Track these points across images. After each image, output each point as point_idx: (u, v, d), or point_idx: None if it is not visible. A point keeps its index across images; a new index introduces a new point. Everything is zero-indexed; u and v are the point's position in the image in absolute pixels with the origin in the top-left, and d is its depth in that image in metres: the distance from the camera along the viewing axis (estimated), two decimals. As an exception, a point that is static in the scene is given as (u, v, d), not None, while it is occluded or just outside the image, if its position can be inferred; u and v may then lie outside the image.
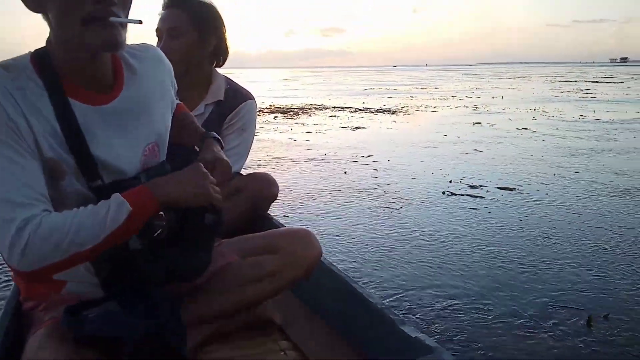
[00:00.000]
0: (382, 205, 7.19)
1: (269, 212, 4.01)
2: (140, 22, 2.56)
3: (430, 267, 5.01)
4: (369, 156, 10.75)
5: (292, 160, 10.38)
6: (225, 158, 2.09)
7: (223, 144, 2.26)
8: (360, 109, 21.70)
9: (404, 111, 20.90)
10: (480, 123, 16.36)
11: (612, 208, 6.98)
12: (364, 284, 4.45)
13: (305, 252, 2.42)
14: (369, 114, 19.63)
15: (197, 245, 1.98)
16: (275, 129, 15.29)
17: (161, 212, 1.66)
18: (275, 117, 18.90)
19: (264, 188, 3.80)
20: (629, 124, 15.73)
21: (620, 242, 5.67)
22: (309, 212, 6.82)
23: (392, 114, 19.91)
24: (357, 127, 15.52)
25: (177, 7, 3.24)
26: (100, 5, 1.42)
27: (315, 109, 22.20)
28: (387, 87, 42.31)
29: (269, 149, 11.77)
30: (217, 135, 2.25)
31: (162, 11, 3.25)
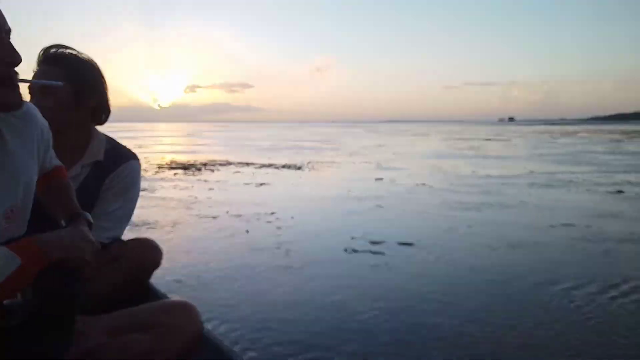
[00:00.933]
0: (283, 265, 7.00)
1: (151, 281, 3.69)
2: (61, 85, 2.40)
3: (330, 330, 4.86)
4: (272, 213, 10.60)
5: (191, 220, 9.98)
6: (94, 239, 1.87)
7: (92, 224, 2.07)
8: (265, 165, 21.70)
9: (310, 167, 21.17)
10: (382, 179, 16.88)
11: (502, 261, 7.28)
12: (256, 358, 4.20)
13: (184, 328, 2.20)
14: (275, 170, 19.65)
15: (56, 324, 1.71)
16: (175, 187, 14.78)
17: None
18: (176, 173, 18.35)
19: (146, 255, 3.49)
20: (515, 179, 16.95)
21: (509, 294, 5.88)
22: (204, 276, 6.47)
23: (298, 169, 20.07)
24: (261, 184, 15.41)
25: (53, 64, 3.00)
26: (5, 68, 1.42)
27: (219, 164, 21.90)
28: (294, 143, 43.03)
29: (167, 208, 11.28)
30: (88, 217, 2.05)
31: (37, 67, 3.00)
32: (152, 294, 3.38)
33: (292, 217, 10.27)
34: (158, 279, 6.18)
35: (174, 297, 3.70)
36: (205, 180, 16.19)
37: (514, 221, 10.04)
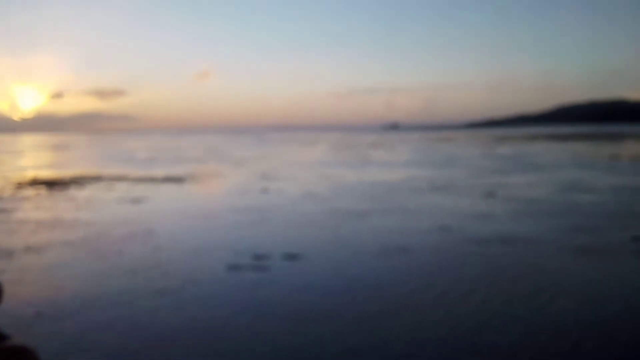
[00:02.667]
0: (160, 288, 6.43)
1: None
2: None
3: (209, 356, 4.48)
4: (149, 232, 9.87)
5: (55, 244, 8.97)
6: None
7: None
8: (142, 179, 20.47)
9: (192, 179, 20.33)
10: (268, 189, 16.60)
11: (384, 268, 7.27)
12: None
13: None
14: (153, 184, 18.59)
15: None
16: (37, 207, 13.31)
17: None
18: (39, 192, 16.63)
19: None
20: (397, 185, 17.54)
21: (389, 301, 5.84)
22: (69, 305, 5.74)
23: (179, 182, 19.17)
24: (138, 200, 14.41)
25: None
26: None
27: (90, 179, 20.29)
28: (175, 154, 41.41)
29: (26, 232, 10.08)
30: None
31: None
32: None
33: (171, 235, 9.64)
34: (11, 312, 5.38)
35: (16, 339, 3.09)
36: (73, 199, 14.81)
37: (396, 227, 10.22)
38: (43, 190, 16.84)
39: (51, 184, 18.46)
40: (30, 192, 16.54)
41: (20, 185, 17.97)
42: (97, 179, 20.73)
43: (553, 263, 7.45)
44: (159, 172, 23.78)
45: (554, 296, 6.02)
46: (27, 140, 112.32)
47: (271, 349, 4.67)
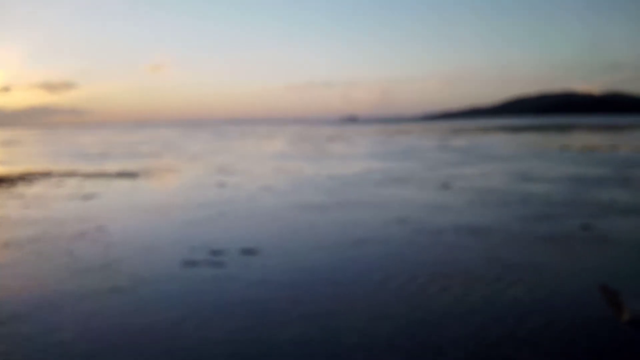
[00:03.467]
0: (112, 287, 6.24)
1: None
2: None
3: (163, 355, 4.35)
4: (100, 229, 9.57)
5: (1, 244, 8.58)
6: None
7: None
8: (94, 174, 19.87)
9: (147, 174, 19.86)
10: (224, 183, 16.38)
11: (342, 261, 7.27)
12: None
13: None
14: (106, 179, 18.05)
15: None
16: (-17, 205, 12.71)
17: None
18: (-15, 189, 15.85)
19: None
20: (355, 178, 17.63)
21: (348, 294, 5.85)
22: (16, 308, 5.48)
23: (132, 177, 18.68)
24: (89, 196, 13.95)
25: None
26: None
27: (39, 176, 19.54)
28: (129, 148, 40.34)
29: (-30, 230, 9.60)
30: None
31: None
32: None
33: (124, 232, 9.37)
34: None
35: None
36: (21, 196, 14.22)
37: (354, 220, 10.26)
38: (-13, 188, 16.09)
39: (-4, 181, 17.66)
40: (-27, 189, 15.78)
41: (-37, 183, 17.10)
42: (46, 175, 19.98)
43: (507, 252, 7.63)
44: (112, 167, 23.12)
45: (508, 285, 6.16)
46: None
47: (228, 345, 4.60)
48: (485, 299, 5.69)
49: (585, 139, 43.88)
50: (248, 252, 7.79)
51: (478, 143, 40.06)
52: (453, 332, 4.81)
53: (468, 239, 8.49)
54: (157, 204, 12.64)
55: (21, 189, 15.81)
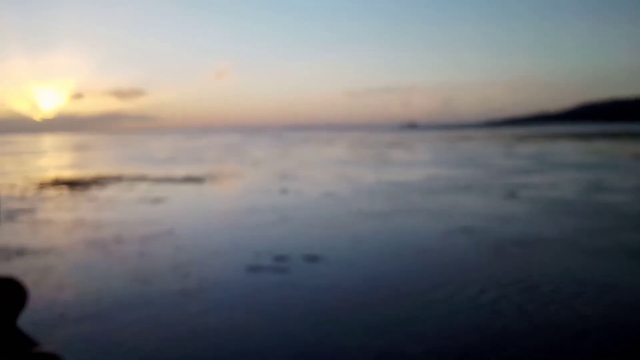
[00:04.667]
0: (181, 290, 6.44)
1: (19, 324, 3.05)
2: None
3: (231, 356, 4.46)
4: (169, 232, 9.92)
5: (77, 244, 9.06)
6: None
7: None
8: (162, 179, 20.63)
9: (212, 179, 20.42)
10: (287, 189, 16.58)
11: (406, 269, 7.20)
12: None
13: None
14: (173, 184, 18.71)
15: None
16: (59, 208, 13.49)
17: None
18: (61, 192, 16.85)
19: (7, 296, 2.85)
20: (417, 185, 17.40)
21: (414, 303, 5.76)
22: (90, 308, 5.77)
23: (198, 182, 19.26)
24: (157, 200, 14.50)
25: None
26: None
27: (111, 180, 20.51)
28: (194, 153, 41.67)
29: (49, 232, 10.19)
30: None
31: None
32: (17, 342, 2.77)
33: (192, 236, 9.66)
34: (35, 314, 5.42)
35: (45, 345, 3.09)
36: (94, 199, 14.97)
37: (416, 227, 10.12)
38: (64, 191, 17.07)
39: (72, 184, 18.71)
40: (51, 192, 16.77)
41: (42, 186, 18.23)
42: (117, 179, 20.94)
43: (573, 266, 7.29)
44: (179, 172, 23.94)
45: (572, 300, 5.87)
46: (48, 140, 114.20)
47: (291, 351, 4.63)
48: (544, 314, 5.44)
49: (664, 146, 41.27)
50: (311, 258, 7.83)
51: (545, 150, 38.56)
52: (522, 348, 4.63)
53: (533, 250, 8.17)
54: (222, 208, 12.97)
55: (94, 192, 16.65)
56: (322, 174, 22.03)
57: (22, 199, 14.50)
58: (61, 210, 12.95)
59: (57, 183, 19.33)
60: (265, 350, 4.66)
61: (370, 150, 44.49)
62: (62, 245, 8.96)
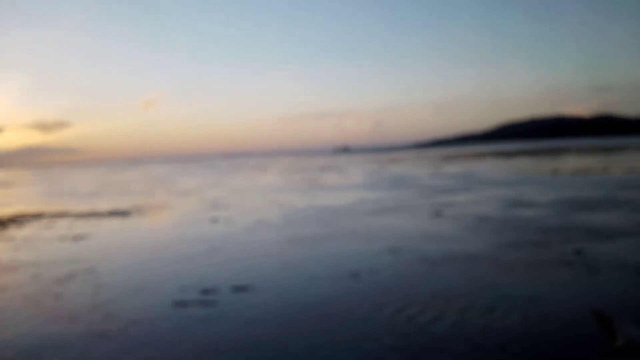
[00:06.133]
0: (100, 331, 6.12)
1: None
2: None
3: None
4: (90, 270, 9.45)
5: (-12, 288, 8.44)
6: None
7: None
8: (86, 214, 19.72)
9: (139, 212, 19.75)
10: (217, 218, 16.30)
11: (335, 294, 7.19)
12: None
13: None
14: (97, 219, 17.93)
15: None
16: (-28, 248, 12.55)
17: None
18: (-24, 233, 15.65)
19: None
20: (348, 208, 17.60)
21: (340, 328, 5.76)
22: (6, 356, 5.37)
23: (124, 216, 18.57)
24: (80, 237, 13.82)
25: None
26: None
27: (31, 217, 19.38)
28: (122, 186, 40.20)
29: (-43, 275, 9.44)
30: None
31: None
32: None
33: (114, 273, 9.25)
34: None
35: None
36: (11, 239, 14.06)
37: (347, 251, 10.20)
38: (-23, 231, 15.91)
39: (-13, 224, 17.48)
40: (-38, 234, 15.60)
41: (-48, 227, 16.91)
42: (38, 216, 19.82)
43: (500, 280, 7.58)
44: (103, 206, 23.00)
45: (503, 313, 6.10)
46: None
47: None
48: (477, 327, 5.62)
49: (576, 162, 44.20)
50: (240, 289, 7.70)
51: (469, 169, 40.24)
52: (447, 366, 4.73)
53: (460, 267, 8.44)
54: (148, 242, 12.54)
55: (12, 231, 15.65)
56: (254, 202, 21.86)
57: None
58: (-29, 253, 12.06)
59: (-32, 224, 18.00)
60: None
61: (303, 175, 44.72)
62: (-30, 291, 8.32)
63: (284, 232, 12.96)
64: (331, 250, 10.42)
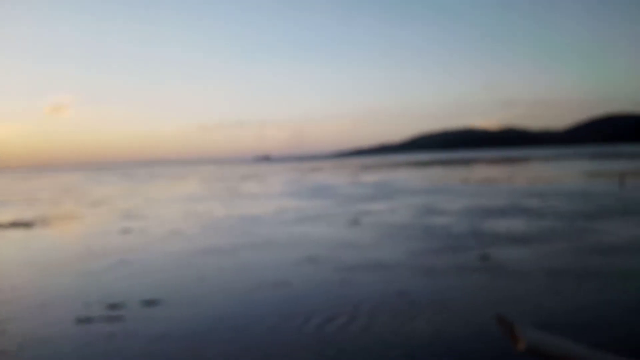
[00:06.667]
0: (-7, 353, 5.65)
1: None
2: None
3: None
4: (-16, 287, 8.73)
5: None
6: None
7: None
8: (-14, 225, 18.24)
9: (44, 223, 18.55)
10: (129, 229, 15.65)
11: (249, 305, 7.11)
12: None
13: None
14: (-2, 231, 16.62)
15: None
16: None
17: None
18: None
19: None
20: (267, 217, 17.51)
21: (251, 340, 5.69)
22: None
23: (27, 227, 17.37)
24: (-24, 250, 12.75)
25: None
26: None
27: None
28: (26, 195, 37.60)
29: None
30: None
31: None
32: None
33: (14, 289, 8.62)
34: None
35: None
36: None
37: (264, 261, 10.12)
38: None
39: None
40: None
41: None
42: None
43: (411, 285, 7.82)
44: (5, 217, 21.40)
45: (410, 317, 6.28)
46: None
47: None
48: (389, 332, 5.75)
49: (484, 172, 46.77)
50: (150, 303, 7.42)
51: (386, 178, 41.42)
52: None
53: (374, 275, 8.62)
54: (53, 255, 11.79)
55: None
56: (170, 212, 21.22)
57: None
58: None
59: None
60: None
61: (223, 184, 44.04)
62: None
63: (200, 243, 12.66)
64: (247, 261, 10.30)
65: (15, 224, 18.39)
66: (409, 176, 44.03)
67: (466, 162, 76.17)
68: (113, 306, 7.30)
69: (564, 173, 38.06)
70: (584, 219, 13.89)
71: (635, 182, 25.83)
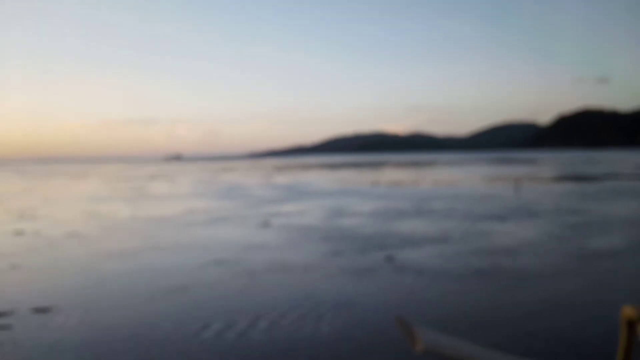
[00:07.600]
0: None
1: None
2: None
3: None
4: None
5: None
6: None
7: None
8: None
9: None
10: (22, 231, 14.56)
11: (148, 312, 6.82)
12: None
13: None
14: None
15: None
16: None
17: None
18: None
19: None
20: (174, 219, 16.97)
21: (157, 349, 5.49)
22: None
23: None
24: None
25: None
26: None
27: None
28: None
29: None
30: None
31: None
32: None
33: None
34: None
35: None
36: None
37: (169, 265, 9.79)
38: None
39: None
40: None
41: None
42: None
43: (316, 287, 7.89)
44: None
45: (314, 320, 6.33)
46: None
47: None
48: (287, 338, 5.76)
49: (393, 174, 48.42)
50: (41, 310, 6.93)
51: (299, 180, 41.69)
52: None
53: (280, 277, 8.61)
54: None
55: None
56: (69, 212, 19.98)
57: None
58: None
59: None
60: None
61: (129, 183, 42.19)
62: None
63: (99, 246, 12.02)
64: (151, 264, 9.91)
65: None
66: (321, 178, 44.60)
67: (377, 165, 78.49)
68: (0, 314, 6.73)
69: (466, 177, 40.30)
70: (484, 221, 14.75)
71: (527, 187, 27.88)
